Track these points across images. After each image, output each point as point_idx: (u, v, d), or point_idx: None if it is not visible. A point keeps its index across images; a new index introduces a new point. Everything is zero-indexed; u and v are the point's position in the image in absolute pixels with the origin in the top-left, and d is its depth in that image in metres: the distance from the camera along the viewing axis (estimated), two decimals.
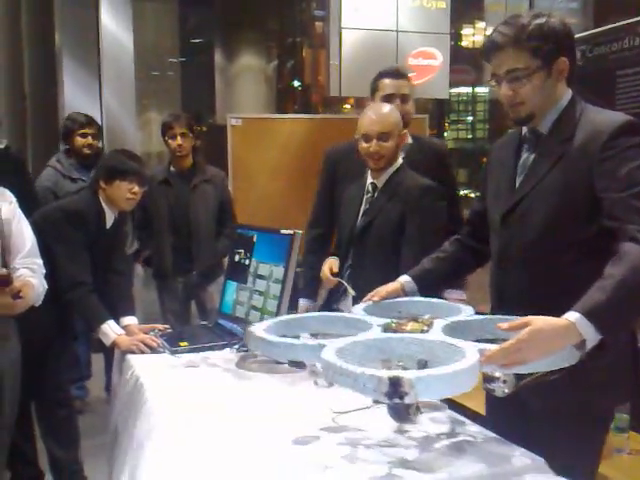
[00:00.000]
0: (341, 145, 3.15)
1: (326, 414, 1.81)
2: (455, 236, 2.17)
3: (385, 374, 1.33)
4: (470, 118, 16.11)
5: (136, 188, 2.86)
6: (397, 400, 1.31)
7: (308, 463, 1.53)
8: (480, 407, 2.15)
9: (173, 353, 2.52)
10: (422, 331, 1.66)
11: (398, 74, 3.04)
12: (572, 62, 1.79)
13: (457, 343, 1.52)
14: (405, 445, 1.62)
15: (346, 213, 2.78)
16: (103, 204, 2.89)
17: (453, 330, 1.65)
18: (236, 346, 2.53)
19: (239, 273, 2.77)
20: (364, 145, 2.61)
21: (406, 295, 2.03)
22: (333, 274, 2.71)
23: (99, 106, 6.18)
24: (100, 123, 4.73)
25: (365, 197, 2.70)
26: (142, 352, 2.54)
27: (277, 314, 2.38)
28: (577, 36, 3.64)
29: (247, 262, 2.74)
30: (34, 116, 8.10)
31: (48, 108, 7.07)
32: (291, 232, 2.55)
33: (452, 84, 6.50)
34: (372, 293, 2.02)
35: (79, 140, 4.22)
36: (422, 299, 2.02)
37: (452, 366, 1.37)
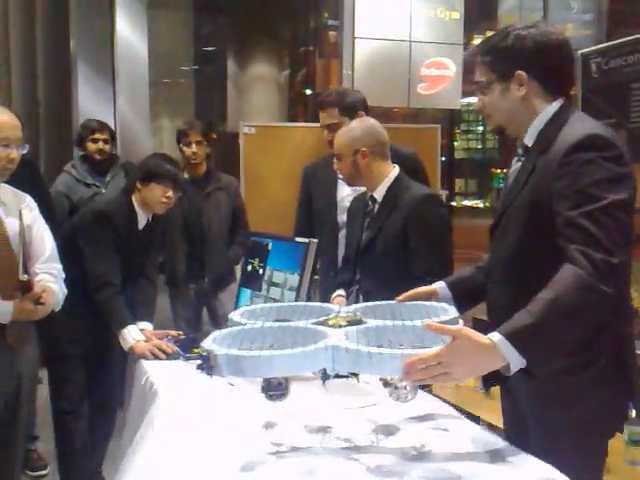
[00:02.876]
0: (316, 160, 3.37)
1: (341, 423, 1.81)
2: None
3: (206, 347, 1.52)
4: (480, 128, 16.08)
5: (170, 193, 2.89)
6: (207, 372, 1.51)
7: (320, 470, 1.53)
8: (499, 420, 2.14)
9: (187, 359, 2.53)
10: (340, 326, 1.69)
11: (321, 105, 3.12)
12: (541, 75, 1.74)
13: (332, 338, 1.56)
14: (415, 456, 1.61)
15: (351, 227, 2.78)
16: (136, 205, 2.92)
17: (364, 332, 1.65)
18: None
19: (253, 280, 2.78)
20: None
21: (438, 300, 1.97)
22: None
23: (113, 113, 6.21)
24: (114, 129, 4.75)
25: (366, 210, 2.69)
26: (157, 357, 2.55)
27: None
28: (592, 49, 3.65)
29: (261, 270, 2.76)
30: (47, 122, 8.13)
31: (62, 114, 7.10)
32: (306, 240, 2.57)
33: (465, 94, 6.51)
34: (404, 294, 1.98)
35: (90, 145, 4.25)
36: (428, 303, 1.94)
37: (264, 351, 1.50)
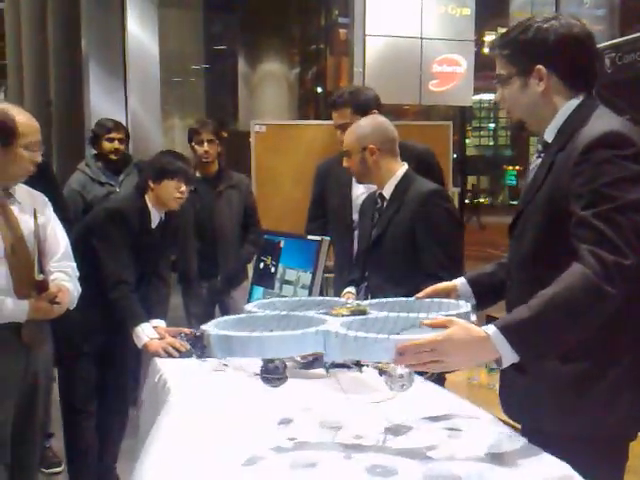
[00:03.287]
0: (329, 158, 3.33)
1: (356, 421, 1.81)
2: None
3: (204, 328, 1.57)
4: (492, 125, 16.04)
5: (183, 187, 2.91)
6: (200, 350, 1.63)
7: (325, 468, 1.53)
8: None
9: (200, 357, 2.53)
10: (343, 315, 1.70)
11: (334, 105, 3.09)
12: (562, 70, 1.70)
13: (327, 324, 1.58)
14: (419, 456, 1.58)
15: (362, 225, 2.79)
16: (149, 204, 2.94)
17: (362, 321, 1.65)
18: None
19: (265, 278, 2.79)
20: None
21: (458, 297, 1.93)
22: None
23: (124, 112, 6.23)
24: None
25: (375, 208, 2.69)
26: (170, 355, 2.56)
27: None
28: (606, 44, 3.62)
29: (274, 267, 2.76)
30: (59, 121, 8.18)
31: (73, 114, 7.14)
32: (319, 238, 2.57)
33: (476, 91, 6.49)
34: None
35: (106, 145, 4.27)
36: (443, 300, 1.90)
37: (254, 332, 1.53)
